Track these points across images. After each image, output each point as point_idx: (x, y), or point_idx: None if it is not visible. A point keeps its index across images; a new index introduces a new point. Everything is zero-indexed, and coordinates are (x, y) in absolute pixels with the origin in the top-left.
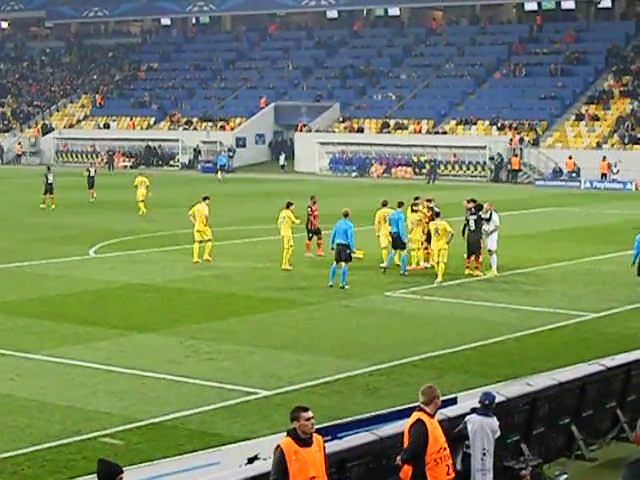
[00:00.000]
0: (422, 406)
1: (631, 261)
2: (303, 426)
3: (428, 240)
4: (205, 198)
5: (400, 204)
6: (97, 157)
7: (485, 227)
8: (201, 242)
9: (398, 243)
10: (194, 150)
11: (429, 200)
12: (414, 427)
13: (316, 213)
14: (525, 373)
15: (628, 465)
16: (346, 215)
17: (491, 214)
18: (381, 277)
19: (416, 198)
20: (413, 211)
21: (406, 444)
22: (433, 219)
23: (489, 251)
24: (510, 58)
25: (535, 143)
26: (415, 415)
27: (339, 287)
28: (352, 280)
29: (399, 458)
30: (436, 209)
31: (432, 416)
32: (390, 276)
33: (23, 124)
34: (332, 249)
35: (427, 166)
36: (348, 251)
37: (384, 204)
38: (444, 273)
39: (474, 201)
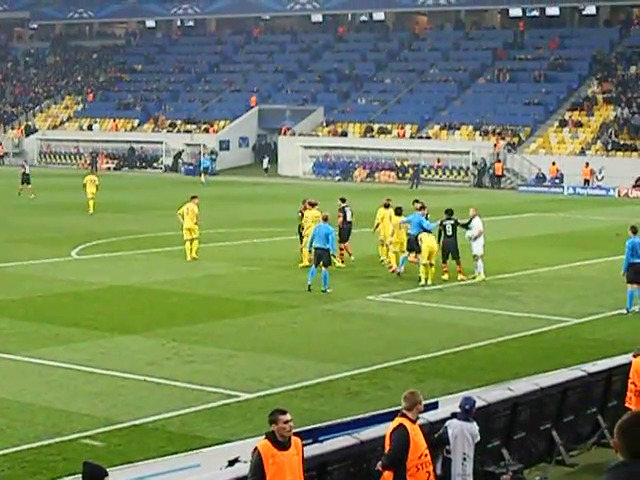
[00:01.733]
0: (404, 412)
1: (622, 269)
2: (281, 429)
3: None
4: (194, 197)
5: (422, 207)
6: (80, 158)
7: (468, 233)
8: (191, 241)
9: (414, 245)
10: (178, 153)
11: (416, 201)
12: (395, 433)
13: (326, 213)
14: (507, 378)
15: (609, 470)
16: (325, 219)
17: (470, 220)
18: (364, 281)
19: (416, 201)
20: (397, 214)
21: (387, 450)
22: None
23: (474, 256)
24: (494, 64)
25: (518, 148)
26: (397, 420)
27: (320, 291)
28: (334, 283)
29: (380, 464)
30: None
31: (414, 422)
32: (373, 280)
33: (6, 125)
34: (309, 252)
35: (410, 171)
36: (328, 255)
37: (386, 205)
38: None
39: (450, 211)
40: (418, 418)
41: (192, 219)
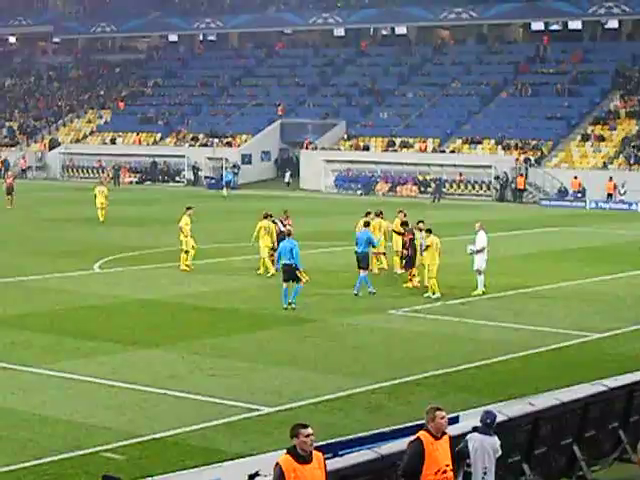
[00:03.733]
0: (426, 426)
1: None
2: (302, 443)
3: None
4: (188, 208)
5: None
6: (103, 172)
7: (471, 246)
8: (187, 252)
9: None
10: (193, 167)
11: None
12: (410, 445)
13: (289, 227)
14: (528, 393)
15: None
16: (289, 234)
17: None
18: (384, 295)
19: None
20: (366, 225)
21: (401, 462)
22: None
23: (477, 271)
24: (516, 77)
25: (540, 163)
26: (418, 434)
27: (288, 304)
28: (355, 296)
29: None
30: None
31: (436, 437)
32: (394, 294)
33: (30, 139)
34: (276, 270)
35: (432, 185)
36: (295, 271)
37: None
38: (432, 285)
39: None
40: (445, 433)
41: (184, 232)
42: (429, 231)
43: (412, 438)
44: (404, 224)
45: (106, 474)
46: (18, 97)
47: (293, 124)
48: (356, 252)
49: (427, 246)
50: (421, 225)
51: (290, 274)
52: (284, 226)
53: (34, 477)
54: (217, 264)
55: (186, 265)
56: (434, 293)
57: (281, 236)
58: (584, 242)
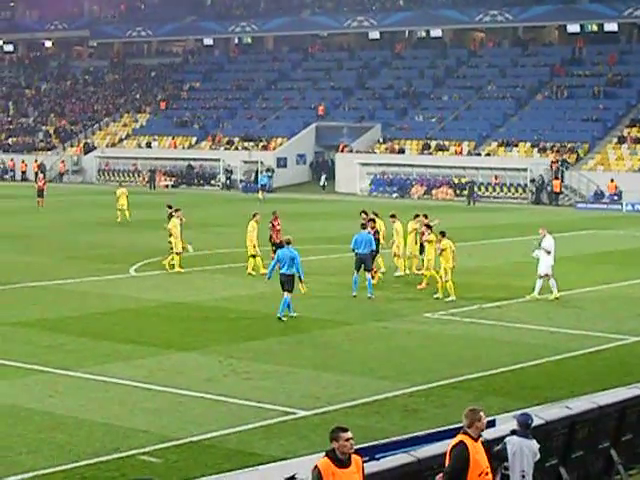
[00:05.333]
0: (465, 429)
1: None
2: (342, 446)
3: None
4: (177, 210)
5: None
6: (139, 176)
7: (536, 251)
8: (178, 253)
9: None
10: (225, 171)
11: (425, 216)
12: (455, 449)
13: (278, 228)
14: (564, 396)
15: None
16: (289, 243)
17: (542, 238)
18: (421, 298)
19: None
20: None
21: (446, 466)
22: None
23: (545, 275)
24: (552, 80)
25: (576, 165)
26: (458, 438)
27: (277, 318)
28: (394, 300)
29: (439, 476)
30: (431, 223)
31: (475, 439)
32: (429, 297)
33: (65, 143)
34: (268, 278)
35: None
36: (293, 281)
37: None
38: (448, 288)
39: (373, 220)
40: (481, 436)
41: (174, 234)
42: (443, 234)
43: (454, 442)
44: (371, 217)
45: (138, 478)
46: (54, 101)
47: (328, 127)
48: (358, 254)
49: (442, 250)
50: (424, 220)
51: (288, 284)
52: (273, 227)
53: None
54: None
55: (170, 265)
56: (449, 296)
57: (277, 242)
58: (620, 245)
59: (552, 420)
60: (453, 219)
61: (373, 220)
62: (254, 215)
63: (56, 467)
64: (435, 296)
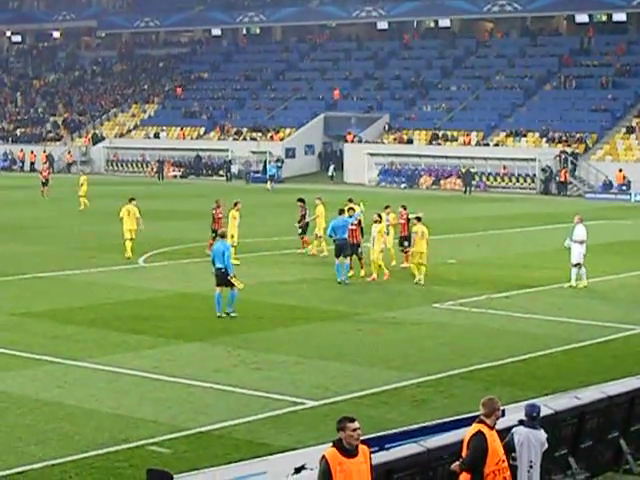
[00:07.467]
0: (482, 418)
1: None
2: (349, 437)
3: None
4: (131, 199)
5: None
6: (147, 166)
7: (567, 240)
8: (132, 239)
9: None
10: (224, 162)
11: (404, 207)
12: (474, 439)
13: (220, 216)
14: (573, 386)
15: None
16: (223, 236)
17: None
18: (430, 288)
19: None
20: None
21: (465, 455)
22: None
23: (577, 264)
24: (560, 70)
25: (584, 155)
26: (475, 427)
27: (225, 313)
28: (402, 290)
29: (456, 464)
30: (413, 215)
31: (492, 428)
32: (438, 288)
33: (74, 133)
34: (212, 273)
35: (476, 177)
36: (227, 275)
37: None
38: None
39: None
40: (496, 424)
41: (133, 221)
42: (418, 219)
43: (472, 432)
44: (300, 200)
45: (151, 468)
46: (62, 92)
47: (337, 117)
48: (335, 240)
49: (415, 233)
50: (403, 211)
51: (222, 279)
52: (215, 215)
53: (80, 470)
54: (261, 257)
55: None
56: (420, 280)
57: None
58: (629, 235)
59: (561, 410)
60: (461, 210)
61: (352, 209)
62: (235, 204)
63: (65, 457)
64: (415, 281)
